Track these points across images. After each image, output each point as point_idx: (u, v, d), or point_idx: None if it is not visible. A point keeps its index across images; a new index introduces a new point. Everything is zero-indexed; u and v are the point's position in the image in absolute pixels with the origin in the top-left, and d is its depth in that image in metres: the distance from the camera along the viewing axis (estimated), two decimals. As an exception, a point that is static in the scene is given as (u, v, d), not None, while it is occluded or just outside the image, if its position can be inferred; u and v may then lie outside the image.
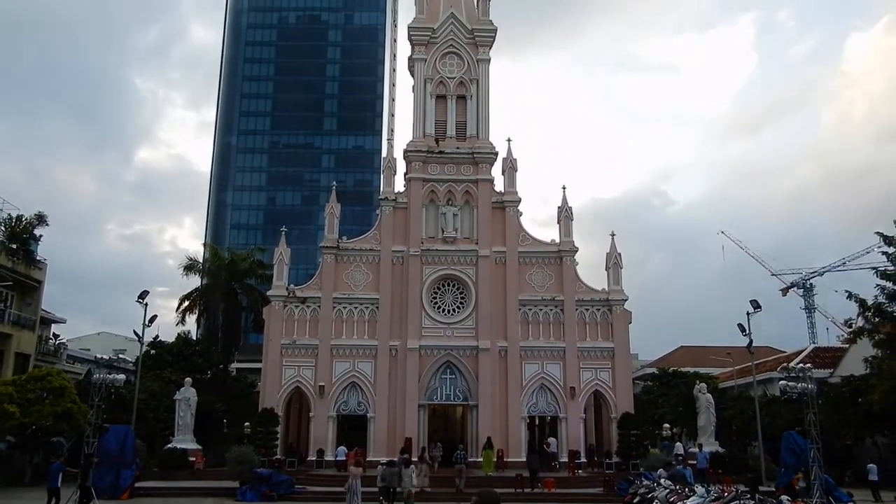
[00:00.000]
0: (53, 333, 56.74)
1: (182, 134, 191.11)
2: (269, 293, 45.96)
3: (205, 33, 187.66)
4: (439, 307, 45.13)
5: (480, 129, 47.52)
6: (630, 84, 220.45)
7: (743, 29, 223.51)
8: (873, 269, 41.82)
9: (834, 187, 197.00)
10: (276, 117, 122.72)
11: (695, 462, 37.27)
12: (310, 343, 44.11)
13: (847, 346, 50.70)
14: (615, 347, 44.56)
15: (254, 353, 55.01)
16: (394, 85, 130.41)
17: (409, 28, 49.75)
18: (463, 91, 48.39)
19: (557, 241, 46.32)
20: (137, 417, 39.74)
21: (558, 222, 46.85)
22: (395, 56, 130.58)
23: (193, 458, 40.39)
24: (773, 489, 30.71)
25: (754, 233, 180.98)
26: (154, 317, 40.33)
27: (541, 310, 45.15)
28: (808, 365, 33.12)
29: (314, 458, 41.82)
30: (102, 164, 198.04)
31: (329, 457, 41.44)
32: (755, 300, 39.52)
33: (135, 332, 40.45)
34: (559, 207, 46.87)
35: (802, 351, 59.82)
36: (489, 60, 48.91)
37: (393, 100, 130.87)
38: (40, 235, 47.46)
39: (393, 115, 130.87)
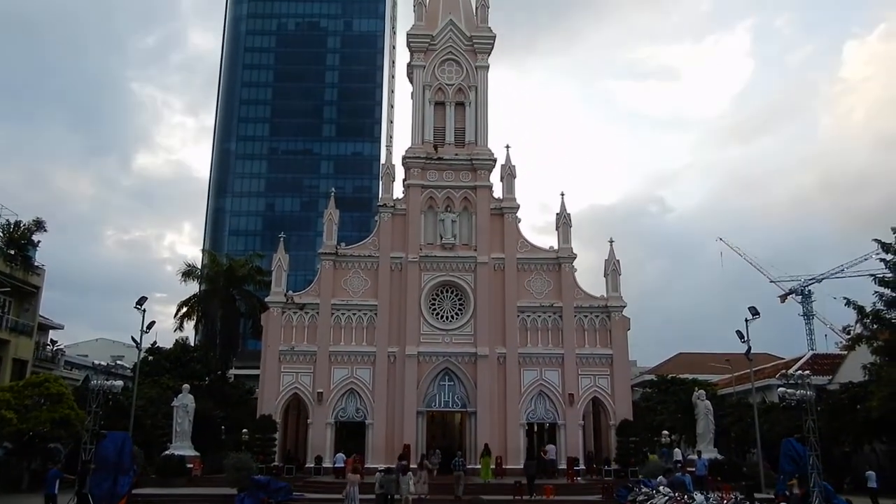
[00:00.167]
0: (51, 339, 56.66)
1: (181, 139, 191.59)
2: (267, 299, 45.91)
3: (204, 39, 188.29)
4: (438, 314, 45.11)
5: (479, 135, 47.59)
6: (628, 90, 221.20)
7: (740, 35, 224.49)
8: (872, 275, 41.95)
9: (832, 194, 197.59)
10: (275, 123, 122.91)
11: (693, 469, 37.20)
12: (308, 349, 44.04)
13: (845, 352, 50.72)
14: (614, 354, 44.51)
15: (252, 360, 54.97)
16: (392, 91, 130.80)
17: (408, 35, 49.86)
18: (462, 98, 48.48)
19: (556, 247, 46.33)
20: (135, 424, 39.61)
21: (557, 229, 46.86)
22: (393, 63, 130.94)
23: (191, 465, 40.26)
24: (773, 496, 30.68)
25: (752, 240, 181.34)
26: (152, 323, 40.23)
27: (539, 316, 45.12)
28: (807, 372, 33.04)
29: (312, 465, 41.71)
30: (101, 169, 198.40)
31: (327, 464, 41.32)
32: (753, 307, 39.48)
33: (133, 338, 40.36)
34: (558, 214, 46.88)
35: (801, 358, 59.80)
36: (488, 67, 49.01)
37: (392, 106, 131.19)
38: (38, 241, 47.48)
39: (392, 122, 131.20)
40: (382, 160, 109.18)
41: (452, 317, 45.08)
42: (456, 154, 47.18)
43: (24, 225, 46.36)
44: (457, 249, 45.60)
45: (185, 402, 41.58)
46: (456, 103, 48.39)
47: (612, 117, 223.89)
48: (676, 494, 27.01)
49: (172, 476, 38.83)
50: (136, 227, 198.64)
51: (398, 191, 47.62)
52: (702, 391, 44.85)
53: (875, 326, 39.70)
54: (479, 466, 39.58)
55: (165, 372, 50.78)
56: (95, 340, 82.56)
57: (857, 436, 41.71)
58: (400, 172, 48.08)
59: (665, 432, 47.39)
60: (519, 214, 46.82)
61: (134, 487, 33.35)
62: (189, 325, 58.82)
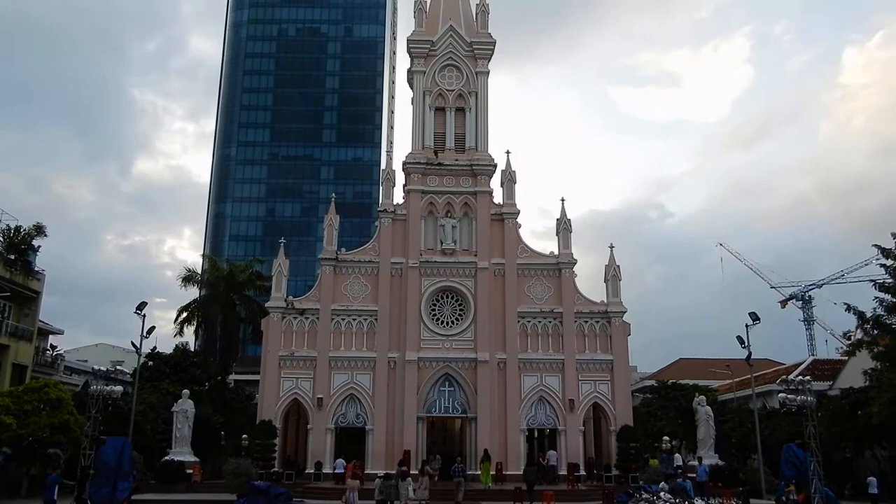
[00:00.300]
0: (51, 344, 56.67)
1: (181, 145, 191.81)
2: (267, 305, 45.90)
3: (204, 45, 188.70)
4: (438, 319, 45.08)
5: (479, 141, 47.64)
6: (628, 96, 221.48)
7: (740, 42, 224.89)
8: (872, 281, 41.84)
9: (832, 200, 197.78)
10: (276, 129, 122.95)
11: (694, 475, 37.12)
12: (308, 355, 44.01)
13: (846, 358, 50.61)
14: (614, 360, 44.50)
15: (252, 365, 54.94)
16: (393, 97, 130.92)
17: (409, 41, 49.96)
18: (462, 103, 48.54)
19: (556, 253, 46.35)
20: (135, 429, 39.56)
21: (557, 234, 46.89)
22: (394, 68, 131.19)
23: (191, 471, 40.16)
24: (773, 502, 30.60)
25: (752, 245, 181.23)
26: (152, 328, 40.22)
27: (539, 322, 45.10)
28: (808, 377, 33.07)
29: (312, 471, 41.67)
30: (101, 174, 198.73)
31: (327, 469, 41.29)
32: (754, 312, 39.48)
33: (133, 343, 40.34)
34: (558, 220, 46.91)
35: (801, 363, 59.73)
36: (488, 73, 49.11)
37: (392, 112, 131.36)
38: (39, 246, 47.49)
39: (392, 128, 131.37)
40: (383, 166, 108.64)
41: (452, 322, 45.06)
42: (456, 159, 47.23)
43: (25, 230, 46.37)
44: (457, 255, 45.60)
45: (184, 407, 41.51)
46: (456, 109, 48.46)
47: (611, 123, 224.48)
48: (678, 500, 26.91)
49: (172, 482, 38.76)
50: (136, 232, 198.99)
51: (398, 196, 47.70)
52: (702, 397, 44.75)
53: (875, 332, 39.59)
54: (479, 472, 39.52)
55: (165, 377, 50.66)
56: (95, 345, 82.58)
57: (857, 441, 41.58)
58: (400, 178, 48.14)
59: (665, 438, 47.23)
60: (519, 220, 46.90)
61: (133, 493, 33.28)
62: (189, 331, 58.71)
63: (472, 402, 43.41)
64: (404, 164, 47.58)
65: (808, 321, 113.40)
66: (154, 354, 54.18)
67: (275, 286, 45.61)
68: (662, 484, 31.84)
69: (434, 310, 45.26)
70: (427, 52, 49.01)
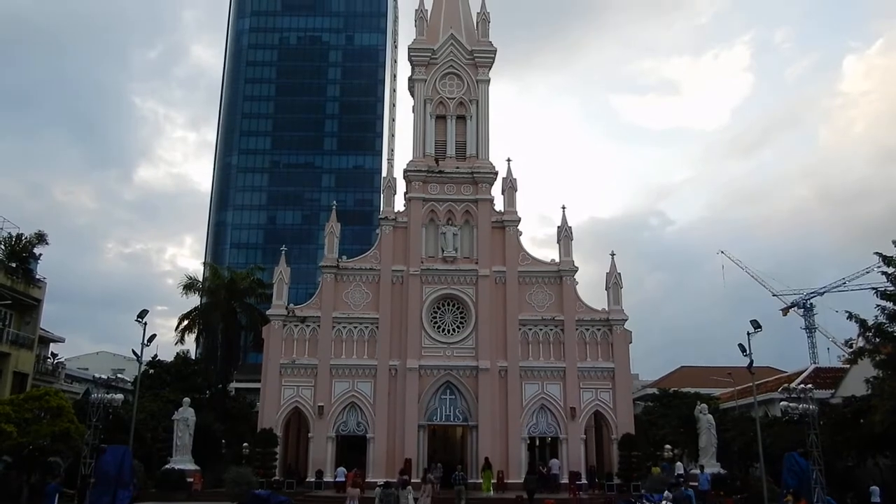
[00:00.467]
0: (52, 352, 56.51)
1: (182, 153, 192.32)
2: (268, 312, 45.85)
3: (206, 53, 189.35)
4: (439, 327, 45.05)
5: (480, 149, 47.71)
6: (628, 104, 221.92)
7: (740, 49, 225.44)
8: (873, 289, 41.68)
9: (833, 207, 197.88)
10: (277, 137, 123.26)
11: (696, 484, 37.01)
12: (309, 363, 43.96)
13: (848, 366, 50.42)
14: (615, 368, 44.41)
15: (253, 373, 54.84)
16: (394, 105, 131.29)
17: (410, 49, 50.09)
18: (463, 111, 48.64)
19: (557, 260, 46.34)
20: (135, 437, 39.41)
21: (558, 242, 46.89)
22: (395, 76, 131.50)
23: (191, 479, 40.09)
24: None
25: (753, 252, 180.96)
26: (153, 336, 40.01)
27: (541, 329, 45.04)
28: (809, 385, 33.04)
29: (313, 479, 41.52)
30: (102, 182, 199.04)
31: (328, 478, 41.17)
32: (755, 320, 39.35)
33: (133, 351, 40.17)
34: (559, 227, 46.92)
35: (803, 371, 59.53)
36: (489, 81, 49.21)
37: (393, 120, 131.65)
38: (40, 254, 47.45)
39: (393, 135, 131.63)
40: (384, 173, 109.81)
41: (454, 330, 45.02)
42: (457, 167, 47.29)
43: (26, 238, 46.35)
44: (458, 262, 45.59)
45: (185, 415, 41.45)
46: (457, 117, 48.55)
47: (612, 130, 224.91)
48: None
49: (172, 490, 38.67)
50: (137, 240, 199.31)
51: (399, 204, 47.74)
52: (704, 405, 44.62)
53: (877, 340, 39.41)
54: (480, 481, 39.42)
55: (166, 385, 50.70)
56: (96, 353, 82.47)
57: (860, 450, 41.41)
58: (401, 186, 48.22)
59: (667, 446, 47.12)
60: (520, 227, 46.92)
61: (134, 501, 33.24)
62: (190, 338, 58.69)
63: (474, 410, 43.32)
64: (405, 171, 47.63)
65: (810, 329, 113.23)
66: (155, 362, 54.21)
67: (276, 294, 45.59)
68: (667, 493, 31.72)
69: (435, 317, 45.22)
70: (428, 61, 49.14)
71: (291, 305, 45.40)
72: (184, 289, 58.22)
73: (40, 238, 46.71)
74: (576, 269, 45.96)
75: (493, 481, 39.07)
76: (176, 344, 58.20)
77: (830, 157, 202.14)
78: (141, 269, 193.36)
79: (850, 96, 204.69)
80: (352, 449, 43.55)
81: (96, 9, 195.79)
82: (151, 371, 52.56)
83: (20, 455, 38.83)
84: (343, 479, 38.26)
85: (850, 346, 46.30)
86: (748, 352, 39.61)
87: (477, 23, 50.96)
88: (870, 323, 39.34)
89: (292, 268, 47.60)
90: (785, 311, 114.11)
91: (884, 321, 39.06)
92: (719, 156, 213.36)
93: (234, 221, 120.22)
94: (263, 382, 44.17)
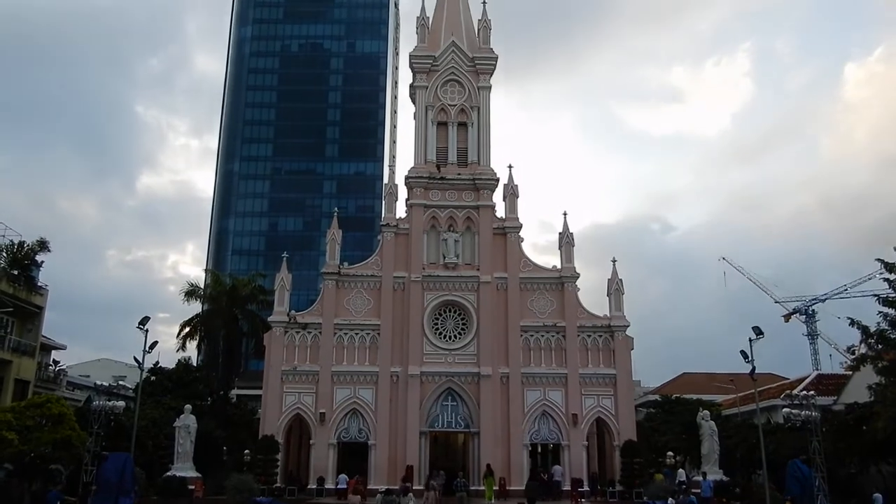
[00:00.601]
0: (53, 360, 56.49)
1: (185, 160, 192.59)
2: (270, 319, 45.87)
3: (208, 61, 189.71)
4: (440, 333, 45.03)
5: (481, 155, 47.79)
6: (629, 111, 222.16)
7: (741, 57, 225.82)
8: (875, 295, 41.62)
9: (834, 213, 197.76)
10: (279, 144, 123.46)
11: (699, 491, 36.91)
12: (310, 369, 43.95)
13: (850, 373, 50.28)
14: (617, 374, 44.36)
15: (254, 380, 54.69)
16: (395, 112, 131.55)
17: (411, 56, 50.23)
18: (464, 118, 48.74)
19: (559, 266, 46.34)
20: (136, 445, 39.31)
21: (559, 248, 46.90)
22: (396, 83, 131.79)
23: (193, 486, 39.94)
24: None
25: (754, 258, 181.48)
26: (154, 343, 40.00)
27: (542, 336, 45.02)
28: (812, 392, 32.95)
29: (315, 486, 41.49)
30: (105, 190, 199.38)
31: (330, 485, 41.12)
32: (757, 326, 39.27)
33: (135, 358, 40.12)
34: (560, 233, 46.94)
35: (805, 378, 59.37)
36: (490, 88, 49.34)
37: (394, 126, 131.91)
38: (42, 262, 47.46)
39: (394, 142, 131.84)
40: (385, 180, 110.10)
41: (455, 336, 45.01)
42: (458, 174, 47.35)
43: (28, 245, 46.38)
44: (459, 269, 45.62)
45: (187, 422, 41.36)
46: (458, 123, 48.65)
47: (613, 137, 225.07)
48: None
49: (174, 497, 38.55)
50: (139, 247, 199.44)
51: (401, 210, 47.81)
52: (706, 412, 44.51)
53: (880, 346, 39.34)
54: (482, 487, 39.32)
55: (167, 392, 50.53)
56: (98, 361, 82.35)
57: (862, 457, 41.27)
58: (403, 192, 48.30)
59: (670, 453, 46.99)
60: (521, 234, 47.04)
61: (135, 509, 33.19)
62: (191, 345, 58.55)
63: (475, 417, 43.27)
64: (407, 178, 47.70)
65: (812, 335, 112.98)
66: (156, 369, 54.05)
67: (277, 300, 45.61)
68: (669, 500, 31.68)
69: (437, 324, 45.21)
70: (429, 68, 49.28)
71: (293, 312, 45.42)
72: (185, 296, 58.13)
73: (42, 245, 46.69)
74: (577, 276, 45.96)
75: (494, 488, 38.95)
76: (177, 351, 58.11)
77: (831, 164, 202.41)
78: (143, 276, 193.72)
79: (851, 103, 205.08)
80: (353, 456, 43.49)
81: (99, 18, 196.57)
82: (153, 378, 52.42)
83: (22, 463, 38.78)
84: (345, 486, 38.16)
85: (853, 353, 46.10)
86: (750, 358, 39.50)
87: (478, 30, 51.10)
88: (872, 329, 39.26)
89: (294, 274, 47.65)
90: (787, 317, 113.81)
91: (886, 328, 38.99)
92: (721, 162, 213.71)
93: (235, 228, 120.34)
94: (265, 389, 44.16)
